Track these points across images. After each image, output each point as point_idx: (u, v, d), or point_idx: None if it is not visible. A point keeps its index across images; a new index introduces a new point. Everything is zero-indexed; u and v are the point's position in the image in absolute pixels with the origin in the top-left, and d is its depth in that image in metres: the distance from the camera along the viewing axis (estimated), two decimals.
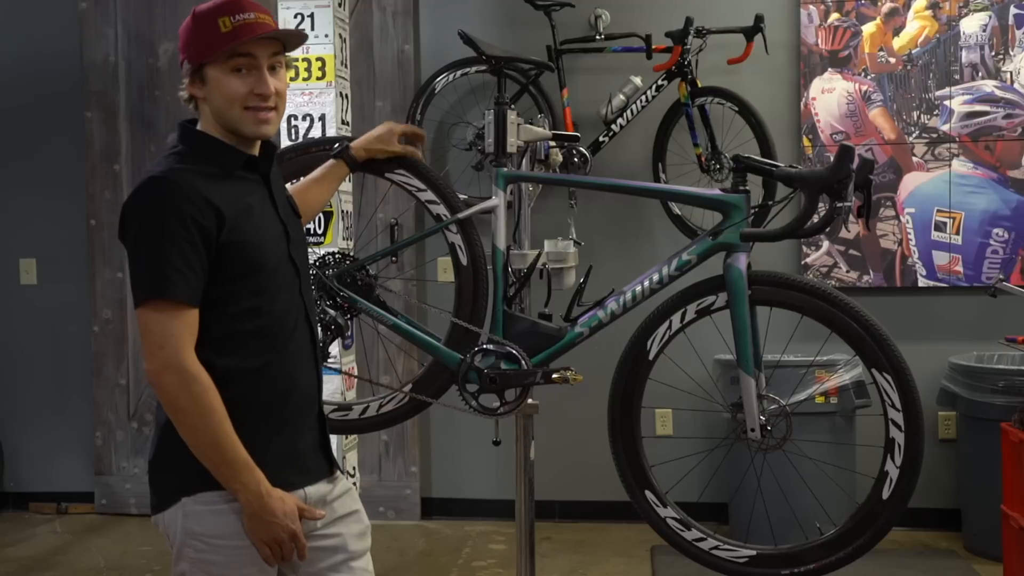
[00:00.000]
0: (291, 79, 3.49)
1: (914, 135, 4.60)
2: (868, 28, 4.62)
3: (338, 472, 2.15)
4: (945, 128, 4.58)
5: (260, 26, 1.97)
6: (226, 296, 1.93)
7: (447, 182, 2.76)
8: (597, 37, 4.63)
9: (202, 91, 2.00)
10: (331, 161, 2.54)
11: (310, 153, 2.68)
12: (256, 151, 2.06)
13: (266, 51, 1.99)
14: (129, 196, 1.93)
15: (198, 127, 2.04)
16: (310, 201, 2.49)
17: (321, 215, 3.51)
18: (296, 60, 3.17)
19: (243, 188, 2.00)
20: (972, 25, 4.56)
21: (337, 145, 2.56)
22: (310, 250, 3.43)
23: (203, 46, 1.96)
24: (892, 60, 4.62)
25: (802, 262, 4.68)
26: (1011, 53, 4.54)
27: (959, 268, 4.58)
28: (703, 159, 4.47)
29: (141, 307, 1.88)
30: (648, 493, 2.65)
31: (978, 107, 4.56)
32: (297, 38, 2.07)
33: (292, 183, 2.54)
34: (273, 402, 1.99)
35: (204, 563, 1.94)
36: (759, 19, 4.41)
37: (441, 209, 2.66)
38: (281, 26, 3.31)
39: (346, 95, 3.67)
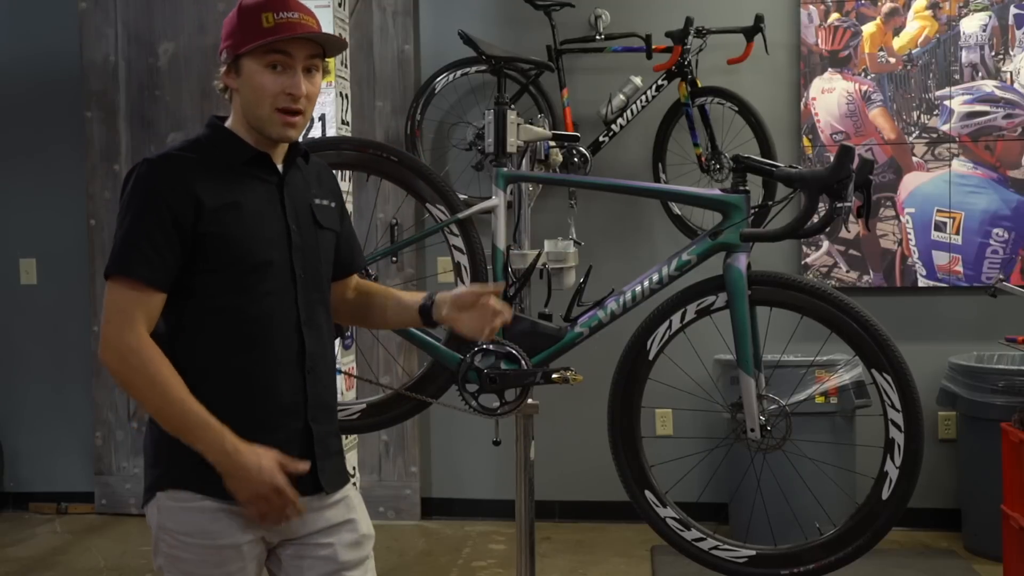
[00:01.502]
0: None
1: (914, 135, 4.60)
2: (868, 28, 4.62)
3: (334, 492, 2.07)
4: (945, 128, 4.58)
5: (302, 26, 1.96)
6: (200, 287, 1.92)
7: (450, 186, 2.76)
8: (597, 37, 4.63)
9: (236, 82, 1.99)
10: (414, 304, 2.22)
11: (366, 153, 2.69)
12: (276, 152, 2.03)
13: (304, 52, 1.97)
14: (126, 174, 1.96)
15: (226, 123, 2.03)
16: (376, 309, 2.27)
17: None
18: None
19: (246, 184, 1.98)
20: (972, 25, 4.56)
21: (426, 298, 2.21)
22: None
23: (243, 37, 1.96)
24: (892, 60, 4.62)
25: (802, 262, 4.68)
26: (1011, 53, 4.53)
27: (959, 268, 4.58)
28: (703, 159, 4.47)
29: (107, 281, 1.90)
30: (648, 493, 2.65)
31: (978, 107, 4.56)
32: (338, 44, 2.06)
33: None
34: (245, 406, 1.95)
35: (175, 559, 1.94)
36: (759, 19, 4.41)
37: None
38: None
39: (346, 95, 3.67)
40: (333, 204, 2.16)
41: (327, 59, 2.06)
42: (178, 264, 1.90)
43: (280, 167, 2.04)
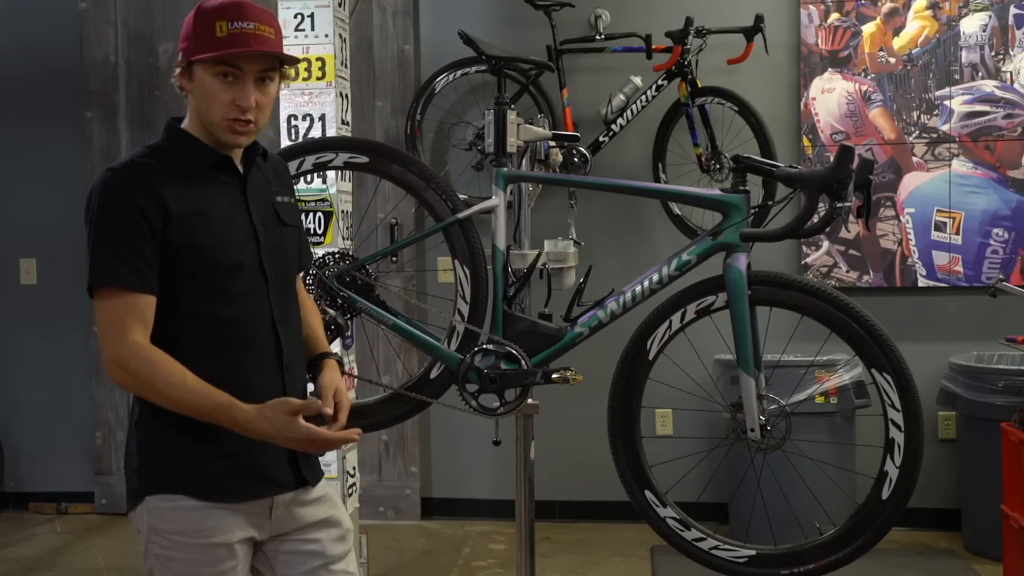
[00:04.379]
0: (291, 79, 3.49)
1: (914, 135, 4.60)
2: (868, 28, 4.62)
3: (315, 484, 2.11)
4: (945, 128, 4.58)
5: (255, 38, 1.94)
6: (173, 296, 1.92)
7: (448, 183, 2.76)
8: (597, 37, 4.63)
9: (189, 85, 1.99)
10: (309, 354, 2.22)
11: (410, 170, 2.68)
12: (235, 152, 2.04)
13: (256, 65, 1.96)
14: (91, 186, 1.95)
15: (183, 123, 2.03)
16: None
17: (321, 215, 3.51)
18: (297, 60, 3.19)
19: (210, 188, 1.98)
20: (972, 25, 4.56)
21: (320, 360, 2.21)
22: (311, 250, 3.41)
23: (196, 43, 1.95)
24: (892, 60, 4.62)
25: (802, 262, 4.68)
26: (1011, 53, 4.53)
27: (959, 268, 4.58)
28: (703, 159, 4.47)
29: (93, 296, 1.90)
30: (648, 493, 2.65)
31: (978, 107, 4.56)
32: (289, 62, 2.03)
33: None
34: None
35: (167, 559, 1.95)
36: (759, 19, 4.41)
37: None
38: (282, 27, 3.34)
39: (346, 95, 3.67)
40: (292, 200, 2.19)
41: (289, 67, 2.04)
42: (158, 269, 1.90)
43: (240, 167, 2.05)
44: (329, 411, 2.04)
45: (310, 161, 2.73)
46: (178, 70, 1.99)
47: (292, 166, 2.73)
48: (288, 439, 1.88)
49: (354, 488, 3.68)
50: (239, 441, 1.95)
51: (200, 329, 1.94)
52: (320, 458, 3.52)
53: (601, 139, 4.52)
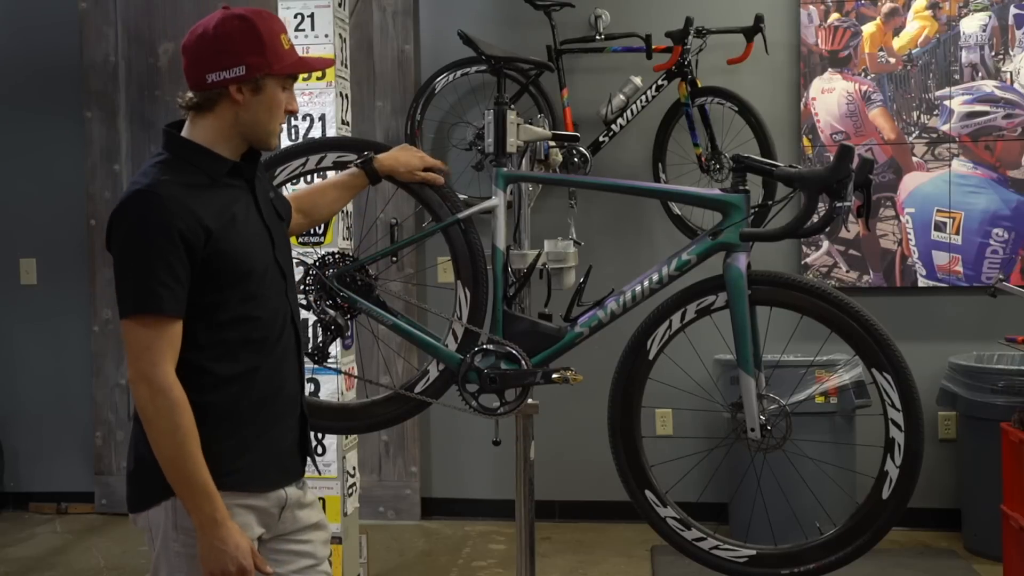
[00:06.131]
0: None
1: (914, 135, 4.60)
2: (868, 28, 4.62)
3: (304, 478, 2.21)
4: (945, 128, 4.58)
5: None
6: (216, 304, 1.96)
7: (449, 186, 2.75)
8: (597, 37, 4.63)
9: (247, 98, 2.01)
10: (353, 170, 2.54)
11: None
12: (238, 157, 2.08)
13: None
14: (117, 207, 1.95)
15: (183, 133, 2.05)
16: (323, 205, 2.50)
17: None
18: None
19: (228, 195, 2.02)
20: (972, 25, 4.56)
21: (364, 154, 2.54)
22: (311, 250, 3.42)
23: (272, 58, 2.01)
24: (892, 60, 4.62)
25: (802, 262, 4.68)
26: (1011, 53, 4.53)
27: (959, 268, 4.58)
28: (703, 159, 4.47)
29: (127, 319, 1.91)
30: (648, 493, 2.65)
31: (978, 107, 4.56)
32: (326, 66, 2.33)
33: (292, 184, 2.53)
34: (262, 404, 2.04)
35: (187, 557, 1.98)
36: (759, 19, 4.41)
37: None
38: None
39: (346, 95, 3.67)
40: (274, 195, 2.27)
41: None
42: (192, 288, 1.94)
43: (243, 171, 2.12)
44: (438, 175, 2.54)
45: (331, 158, 2.72)
46: (234, 86, 2.00)
47: (312, 160, 2.72)
48: (232, 559, 1.91)
49: (354, 488, 3.68)
50: (261, 434, 2.03)
51: (238, 332, 2.00)
52: (320, 458, 3.54)
53: (601, 139, 4.52)
